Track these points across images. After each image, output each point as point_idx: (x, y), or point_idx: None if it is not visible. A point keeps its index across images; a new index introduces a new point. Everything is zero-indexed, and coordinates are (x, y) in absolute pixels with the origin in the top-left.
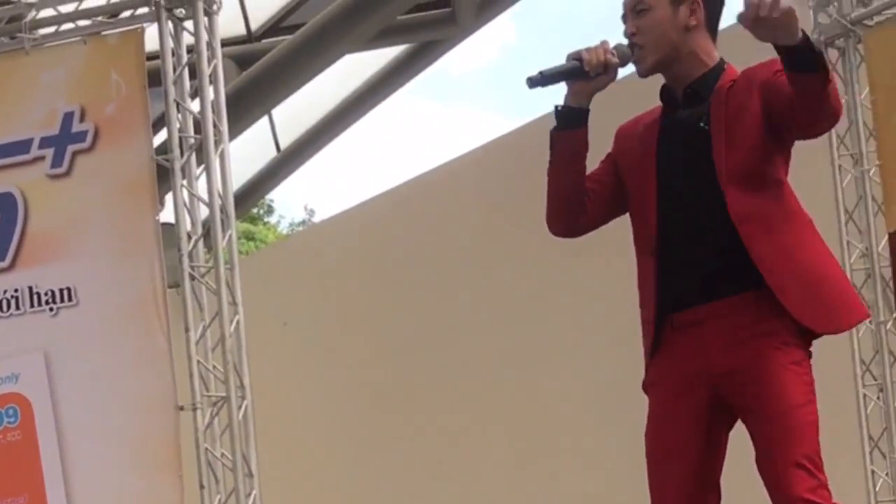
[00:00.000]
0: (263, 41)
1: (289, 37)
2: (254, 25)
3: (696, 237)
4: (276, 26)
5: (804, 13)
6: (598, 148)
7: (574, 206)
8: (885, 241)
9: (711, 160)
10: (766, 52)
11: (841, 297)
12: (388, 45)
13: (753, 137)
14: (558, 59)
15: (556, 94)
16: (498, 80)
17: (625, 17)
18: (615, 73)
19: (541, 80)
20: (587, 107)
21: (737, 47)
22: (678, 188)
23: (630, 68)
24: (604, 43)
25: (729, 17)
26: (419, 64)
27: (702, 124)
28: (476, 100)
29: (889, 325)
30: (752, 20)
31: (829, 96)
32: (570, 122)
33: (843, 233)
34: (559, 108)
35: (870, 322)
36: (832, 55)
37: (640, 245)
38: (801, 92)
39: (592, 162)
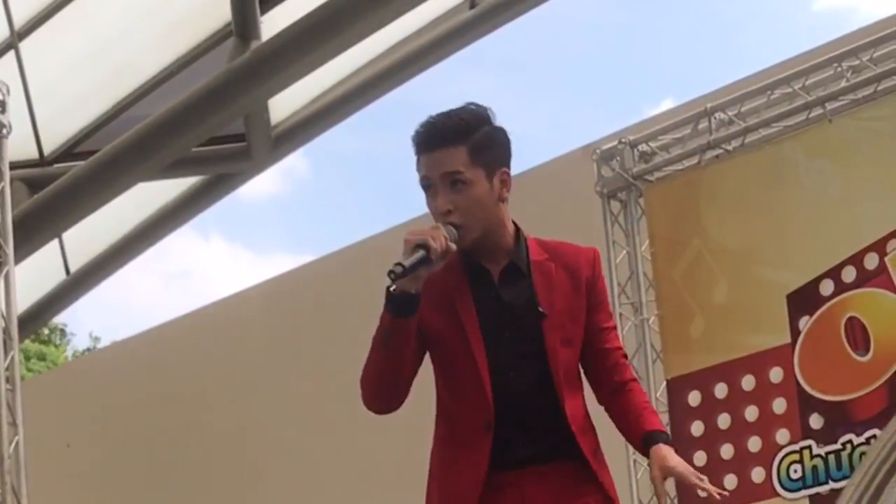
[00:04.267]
0: (56, 165)
1: (82, 162)
2: (47, 149)
3: (529, 422)
4: (69, 151)
5: (588, 166)
6: None
7: (402, 386)
8: (663, 386)
9: (545, 351)
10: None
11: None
12: (182, 176)
13: (578, 344)
14: (351, 196)
15: (342, 229)
16: (287, 213)
17: (428, 185)
18: (447, 257)
19: (403, 273)
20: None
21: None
22: (512, 373)
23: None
24: (440, 229)
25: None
26: (212, 195)
27: (540, 309)
28: (264, 232)
29: None
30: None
31: None
32: (408, 308)
33: None
34: (396, 294)
35: (648, 465)
36: (615, 207)
37: (469, 419)
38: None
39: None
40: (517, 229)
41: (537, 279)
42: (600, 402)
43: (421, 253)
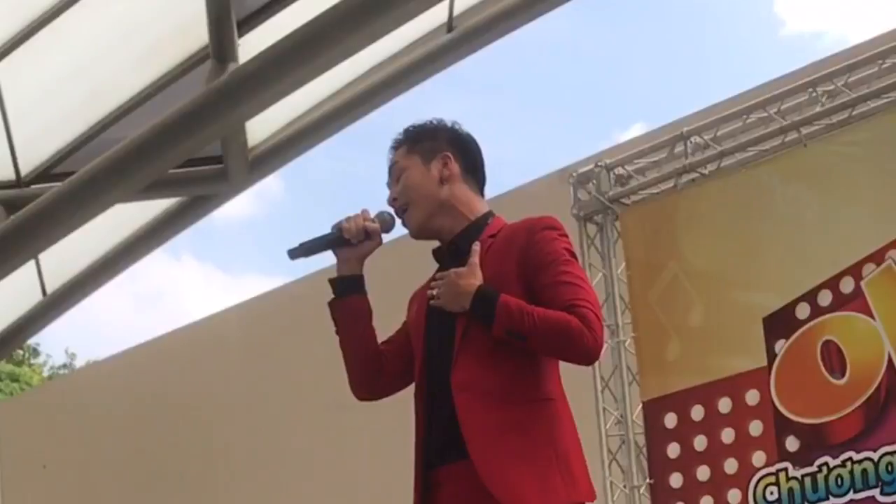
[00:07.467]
0: (33, 187)
1: (59, 184)
2: (24, 171)
3: (439, 400)
4: (46, 172)
5: (564, 189)
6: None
7: (370, 368)
8: (639, 408)
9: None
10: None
11: (541, 481)
12: (159, 198)
13: None
14: (325, 217)
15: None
16: (263, 235)
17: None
18: (379, 238)
19: (301, 251)
20: (359, 272)
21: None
22: (435, 349)
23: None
24: (364, 211)
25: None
26: (189, 217)
27: None
28: (237, 253)
29: (643, 489)
30: None
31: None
32: (343, 289)
33: (600, 400)
34: (332, 279)
35: (624, 486)
36: (591, 230)
37: (417, 413)
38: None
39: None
40: (485, 214)
41: (478, 256)
42: None
43: (332, 233)
